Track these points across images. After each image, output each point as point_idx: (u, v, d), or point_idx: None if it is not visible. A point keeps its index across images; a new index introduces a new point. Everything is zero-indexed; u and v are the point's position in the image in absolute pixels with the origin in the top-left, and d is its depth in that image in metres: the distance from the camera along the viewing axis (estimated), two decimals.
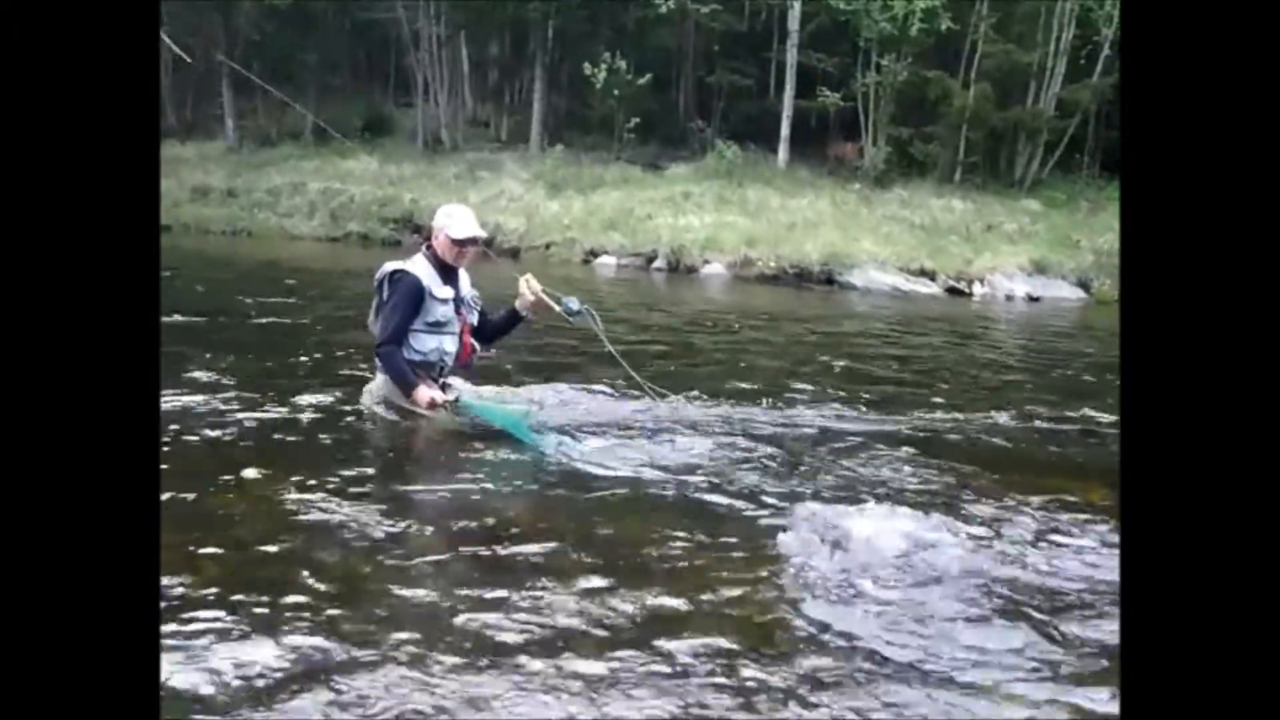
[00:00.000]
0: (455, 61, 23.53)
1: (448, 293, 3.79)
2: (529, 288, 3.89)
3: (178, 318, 6.55)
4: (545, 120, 21.77)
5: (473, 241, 3.80)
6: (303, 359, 5.39)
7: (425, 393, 3.62)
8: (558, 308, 3.89)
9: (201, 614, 2.02)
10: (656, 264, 15.60)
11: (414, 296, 3.68)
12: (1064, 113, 17.98)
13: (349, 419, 3.90)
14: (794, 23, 19.55)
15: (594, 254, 16.15)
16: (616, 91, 20.06)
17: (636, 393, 4.27)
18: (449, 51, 23.05)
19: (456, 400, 3.66)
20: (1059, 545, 2.74)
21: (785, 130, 19.53)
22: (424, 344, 3.76)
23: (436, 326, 3.77)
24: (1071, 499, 3.22)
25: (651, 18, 21.14)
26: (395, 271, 3.73)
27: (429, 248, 3.83)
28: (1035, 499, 3.17)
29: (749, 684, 1.85)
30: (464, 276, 3.95)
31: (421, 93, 22.65)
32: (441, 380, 3.85)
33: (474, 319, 3.98)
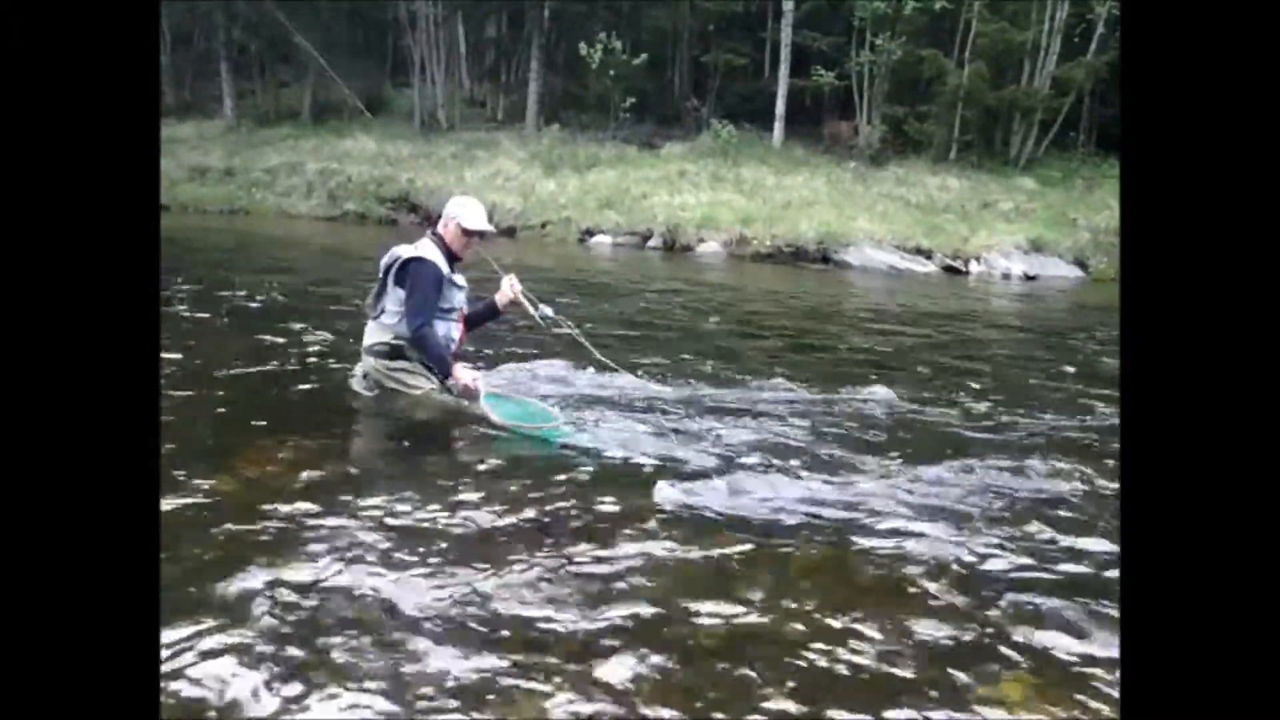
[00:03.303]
0: (452, 42, 23.40)
1: (462, 280, 3.87)
2: (511, 287, 4.01)
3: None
4: (541, 100, 21.70)
5: (482, 234, 3.88)
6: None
7: (464, 372, 3.67)
8: (533, 311, 4.02)
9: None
10: (652, 243, 15.62)
11: (438, 282, 3.74)
12: (1059, 91, 17.89)
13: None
14: (789, 2, 19.45)
15: (590, 233, 16.16)
16: (612, 71, 20.00)
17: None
18: (446, 32, 22.92)
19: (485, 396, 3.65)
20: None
21: (780, 109, 19.49)
22: (436, 329, 3.79)
23: (447, 313, 3.83)
24: None
25: None
26: (413, 258, 3.75)
27: (435, 234, 3.89)
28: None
29: None
30: None
31: (418, 73, 22.55)
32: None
33: (467, 307, 4.05)
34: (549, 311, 4.06)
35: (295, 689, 1.75)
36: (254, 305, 6.73)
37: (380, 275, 3.86)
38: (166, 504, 2.54)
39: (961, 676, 1.92)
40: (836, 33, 20.06)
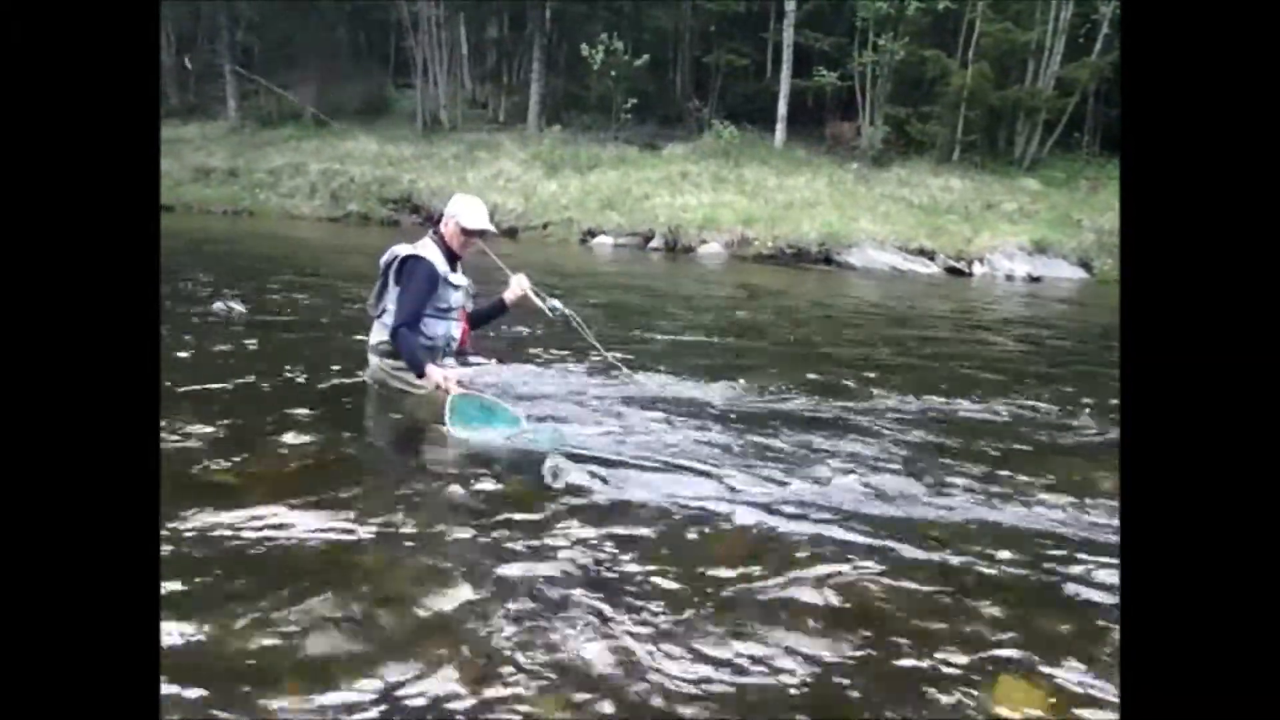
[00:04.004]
0: (454, 43, 23.46)
1: (460, 280, 3.84)
2: (520, 284, 4.02)
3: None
4: (543, 101, 21.73)
5: (481, 234, 3.85)
6: None
7: (436, 372, 3.64)
8: (543, 305, 4.06)
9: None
10: (653, 244, 15.62)
11: (431, 281, 3.71)
12: (1063, 91, 17.89)
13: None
14: (791, 2, 19.47)
15: (591, 234, 16.17)
16: (614, 72, 20.03)
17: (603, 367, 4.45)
18: (447, 33, 22.97)
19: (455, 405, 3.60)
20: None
21: (782, 109, 19.51)
22: (433, 329, 3.80)
23: (445, 312, 3.81)
24: None
25: None
26: (410, 256, 3.73)
27: (436, 233, 3.87)
28: None
29: None
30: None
31: (420, 74, 22.61)
32: (441, 364, 3.91)
33: (470, 305, 4.04)
34: (558, 304, 4.11)
35: (300, 690, 1.75)
36: (267, 306, 6.73)
37: (380, 274, 3.86)
38: (169, 503, 2.54)
39: (960, 677, 1.90)
40: (839, 33, 20.07)
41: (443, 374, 3.66)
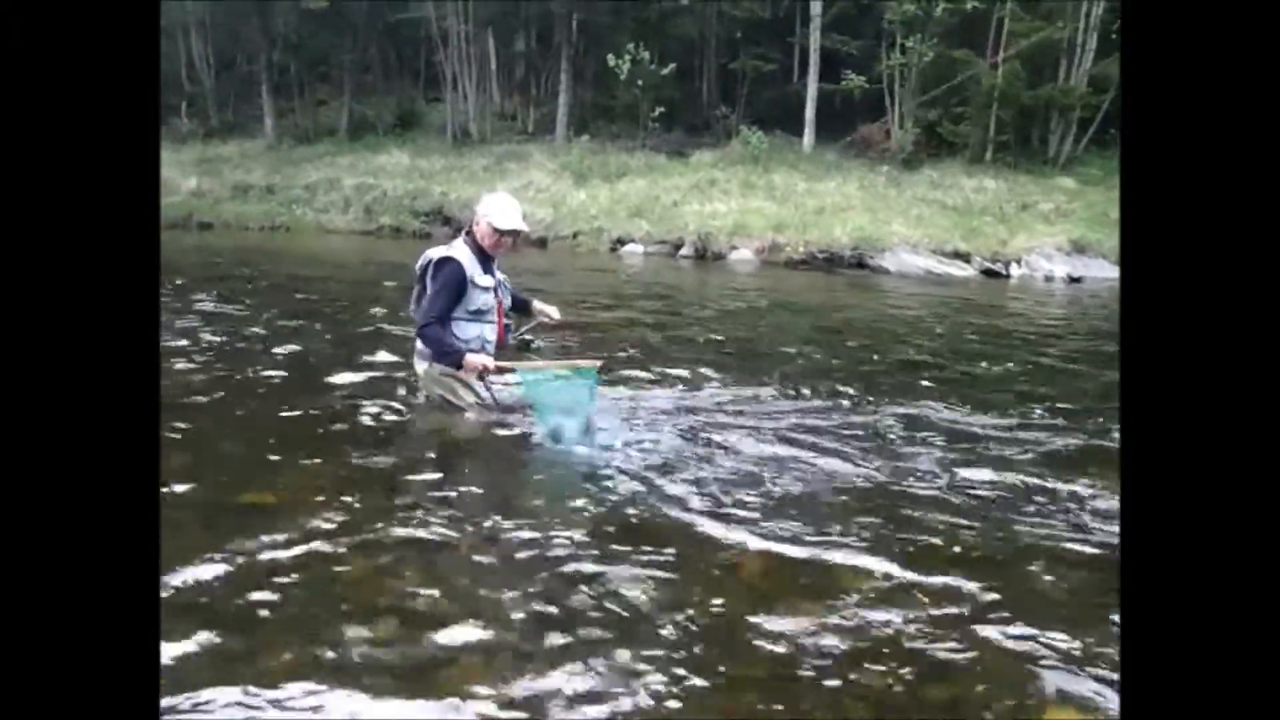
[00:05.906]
0: (482, 57, 23.71)
1: (489, 281, 3.82)
2: (553, 315, 4.14)
3: None
4: (571, 111, 21.86)
5: (514, 233, 3.83)
6: None
7: (475, 359, 3.66)
8: (529, 333, 4.17)
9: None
10: (683, 251, 15.58)
11: (458, 284, 3.71)
12: (1097, 88, 17.55)
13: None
14: (817, 6, 19.37)
15: (621, 242, 16.18)
16: (640, 81, 20.07)
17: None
18: (476, 47, 23.24)
19: (513, 370, 3.73)
20: None
21: (810, 114, 19.39)
22: (466, 331, 3.79)
23: (478, 315, 3.81)
24: None
25: (673, 8, 21.12)
26: (442, 259, 3.75)
27: (469, 234, 3.85)
28: None
29: None
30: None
31: (450, 88, 22.88)
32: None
33: (508, 301, 4.04)
34: (529, 338, 4.14)
35: (303, 694, 1.74)
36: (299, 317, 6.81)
37: (418, 279, 3.87)
38: (189, 514, 2.55)
39: (959, 675, 1.88)
40: (866, 36, 19.92)
41: (481, 359, 3.68)
